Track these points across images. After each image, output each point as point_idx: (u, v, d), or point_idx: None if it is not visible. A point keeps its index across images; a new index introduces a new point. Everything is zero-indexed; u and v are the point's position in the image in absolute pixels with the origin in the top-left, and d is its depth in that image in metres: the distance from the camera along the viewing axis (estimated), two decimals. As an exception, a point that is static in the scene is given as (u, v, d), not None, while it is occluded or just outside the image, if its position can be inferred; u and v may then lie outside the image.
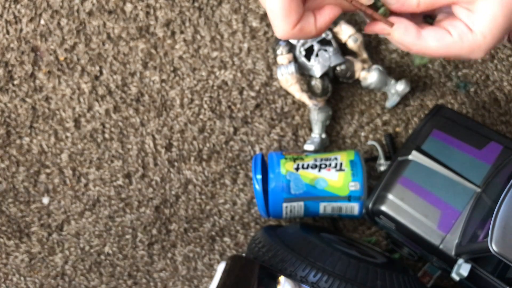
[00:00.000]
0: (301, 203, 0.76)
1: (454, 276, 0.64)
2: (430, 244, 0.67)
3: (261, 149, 0.85)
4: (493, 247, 0.56)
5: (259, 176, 0.76)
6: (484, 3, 0.50)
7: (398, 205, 0.69)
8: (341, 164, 0.77)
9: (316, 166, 0.77)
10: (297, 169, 0.76)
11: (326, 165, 0.77)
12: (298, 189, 0.76)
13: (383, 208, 0.70)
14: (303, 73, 0.82)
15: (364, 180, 0.76)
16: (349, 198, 0.76)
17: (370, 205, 0.72)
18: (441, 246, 0.67)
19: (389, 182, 0.71)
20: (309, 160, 0.77)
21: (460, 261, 0.64)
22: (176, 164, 0.85)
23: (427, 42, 0.52)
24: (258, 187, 0.76)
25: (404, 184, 0.70)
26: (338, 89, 0.85)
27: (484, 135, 0.70)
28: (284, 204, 0.76)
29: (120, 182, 0.86)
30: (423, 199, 0.68)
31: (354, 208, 0.76)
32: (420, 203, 0.68)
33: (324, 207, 0.77)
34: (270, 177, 0.76)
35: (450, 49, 0.52)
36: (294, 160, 0.77)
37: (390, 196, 0.70)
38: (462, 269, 0.63)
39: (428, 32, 0.52)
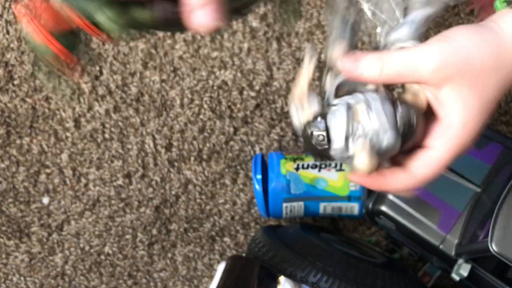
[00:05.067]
0: (301, 203, 0.76)
1: (454, 276, 0.64)
2: (430, 244, 0.67)
3: (261, 149, 0.85)
4: (493, 247, 0.56)
5: (259, 176, 0.76)
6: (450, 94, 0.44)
7: (398, 205, 0.69)
8: (341, 164, 0.77)
9: (316, 166, 0.77)
10: (297, 169, 0.76)
11: (326, 165, 0.77)
12: (298, 189, 0.76)
13: (383, 208, 0.70)
14: None
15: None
16: (349, 198, 0.76)
17: (370, 205, 0.72)
18: (441, 246, 0.67)
19: (389, 182, 0.71)
20: (309, 160, 0.77)
21: (460, 261, 0.64)
22: (176, 164, 0.85)
23: None
24: (258, 187, 0.76)
25: (404, 184, 0.70)
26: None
27: (484, 135, 0.70)
28: (284, 204, 0.76)
29: (120, 182, 0.85)
30: (423, 199, 0.68)
31: (354, 208, 0.76)
32: (420, 203, 0.68)
33: (324, 207, 0.77)
34: (270, 177, 0.76)
35: None
36: (294, 160, 0.77)
37: (390, 196, 0.70)
38: (462, 269, 0.63)
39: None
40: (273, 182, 0.76)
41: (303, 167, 0.77)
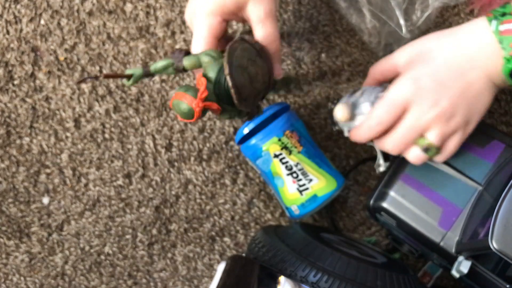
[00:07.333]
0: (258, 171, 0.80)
1: (454, 273, 0.64)
2: (430, 241, 0.67)
3: (261, 149, 0.85)
4: (494, 245, 0.56)
5: (250, 127, 0.77)
6: None
7: (399, 201, 0.69)
8: (307, 188, 0.77)
9: (290, 169, 0.76)
10: (276, 156, 0.76)
11: (297, 177, 0.76)
12: (262, 165, 0.77)
13: (384, 204, 0.70)
14: None
15: (308, 214, 0.78)
16: (286, 209, 0.79)
17: (371, 202, 0.72)
18: (441, 243, 0.67)
19: (391, 179, 0.71)
20: (293, 160, 0.77)
21: (461, 258, 0.64)
22: (176, 164, 0.85)
23: None
24: (246, 130, 0.77)
25: (406, 181, 0.70)
26: (338, 89, 0.85)
27: (486, 133, 0.70)
28: (249, 154, 0.79)
29: (120, 182, 0.85)
30: (424, 196, 0.68)
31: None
32: (422, 200, 0.68)
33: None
34: (257, 134, 0.77)
35: None
36: (283, 148, 0.76)
37: (392, 193, 0.70)
38: (463, 266, 0.63)
39: None
40: (255, 139, 0.77)
41: (281, 160, 0.76)
